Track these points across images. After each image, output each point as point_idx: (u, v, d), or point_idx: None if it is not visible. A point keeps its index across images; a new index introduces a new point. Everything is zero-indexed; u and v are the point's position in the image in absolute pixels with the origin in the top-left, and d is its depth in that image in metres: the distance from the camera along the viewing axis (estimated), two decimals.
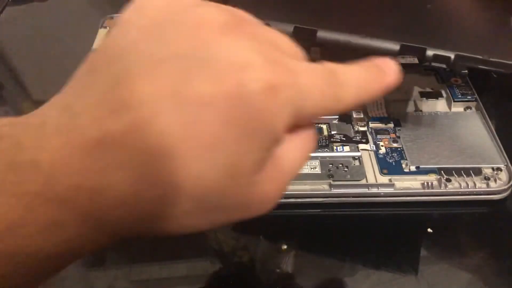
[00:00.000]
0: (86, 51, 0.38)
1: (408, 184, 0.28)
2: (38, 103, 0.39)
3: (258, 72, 0.15)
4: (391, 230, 0.28)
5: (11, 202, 0.14)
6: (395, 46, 0.24)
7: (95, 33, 0.40)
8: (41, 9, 0.46)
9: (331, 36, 0.22)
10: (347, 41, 0.24)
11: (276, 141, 0.17)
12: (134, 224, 0.16)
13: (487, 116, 0.32)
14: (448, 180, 0.28)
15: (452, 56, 0.25)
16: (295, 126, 0.17)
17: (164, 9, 0.17)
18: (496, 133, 0.30)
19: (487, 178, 0.28)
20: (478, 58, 0.24)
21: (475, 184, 0.28)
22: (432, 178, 0.28)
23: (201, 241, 0.27)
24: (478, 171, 0.28)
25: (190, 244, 0.27)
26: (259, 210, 0.17)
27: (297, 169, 0.18)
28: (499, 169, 0.29)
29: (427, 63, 0.25)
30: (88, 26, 0.42)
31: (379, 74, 0.20)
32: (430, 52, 0.25)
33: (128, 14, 0.17)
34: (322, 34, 0.24)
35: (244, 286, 0.26)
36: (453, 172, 0.28)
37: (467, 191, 0.28)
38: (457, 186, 0.28)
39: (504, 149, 0.29)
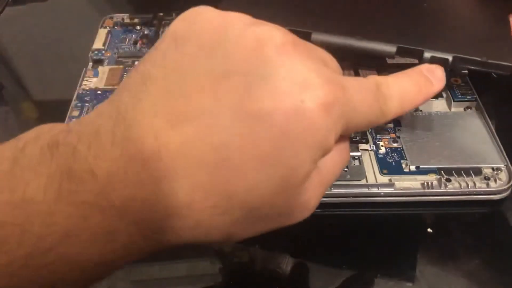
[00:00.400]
0: (86, 51, 0.38)
1: (408, 184, 0.28)
2: (38, 103, 0.39)
3: (317, 90, 0.16)
4: (391, 230, 0.28)
5: (68, 211, 0.14)
6: (392, 48, 0.24)
7: (95, 33, 0.40)
8: (41, 9, 0.46)
9: (326, 38, 0.22)
10: (342, 44, 0.23)
11: (326, 154, 0.17)
12: (183, 233, 0.16)
13: (487, 116, 0.32)
14: (448, 180, 0.28)
15: (450, 58, 0.24)
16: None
17: (221, 25, 0.17)
18: (496, 133, 0.30)
19: (487, 178, 0.28)
20: (476, 60, 0.24)
21: (475, 184, 0.28)
22: (432, 178, 0.28)
23: None
24: (478, 171, 0.28)
25: (190, 244, 0.27)
26: (299, 218, 0.18)
27: (335, 178, 0.19)
28: (499, 169, 0.29)
29: None
30: (88, 26, 0.42)
31: (424, 84, 0.21)
32: (427, 54, 0.24)
33: (181, 28, 0.18)
34: (316, 36, 0.23)
35: (244, 286, 0.25)
36: (453, 172, 0.28)
37: (467, 191, 0.28)
38: (457, 186, 0.28)
39: (504, 149, 0.29)
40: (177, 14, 0.43)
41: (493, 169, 0.29)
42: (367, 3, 0.26)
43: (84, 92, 0.35)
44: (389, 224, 0.28)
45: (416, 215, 0.28)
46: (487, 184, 0.28)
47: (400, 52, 0.24)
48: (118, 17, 0.41)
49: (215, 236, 0.16)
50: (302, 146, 0.16)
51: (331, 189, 0.28)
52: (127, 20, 0.41)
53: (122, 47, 0.39)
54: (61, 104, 0.35)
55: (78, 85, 0.35)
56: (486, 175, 0.28)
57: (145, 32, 0.40)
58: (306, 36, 0.24)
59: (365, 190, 0.28)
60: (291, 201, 0.17)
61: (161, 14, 0.41)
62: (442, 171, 0.28)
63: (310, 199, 0.18)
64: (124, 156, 0.15)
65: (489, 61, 0.24)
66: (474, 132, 0.31)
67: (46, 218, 0.14)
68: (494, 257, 0.26)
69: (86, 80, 0.36)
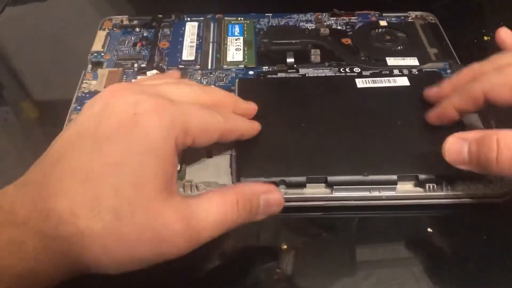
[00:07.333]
0: (86, 52, 0.38)
1: (409, 187, 0.28)
2: (38, 103, 0.39)
3: (145, 103, 0.22)
4: (392, 232, 0.28)
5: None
6: (393, 177, 0.28)
7: (95, 34, 0.40)
8: (41, 9, 0.46)
9: (340, 179, 0.28)
10: (352, 180, 0.28)
11: (171, 164, 0.23)
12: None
13: (487, 116, 0.31)
14: (450, 183, 0.28)
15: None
16: None
17: None
18: None
19: (489, 181, 0.28)
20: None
21: (477, 187, 0.27)
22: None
23: None
24: (481, 174, 0.28)
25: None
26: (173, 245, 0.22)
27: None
28: None
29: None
30: (88, 26, 0.42)
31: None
32: (422, 177, 0.28)
33: None
34: (332, 179, 0.28)
35: (244, 286, 0.25)
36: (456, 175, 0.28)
37: (469, 194, 0.27)
38: (459, 189, 0.27)
39: None
40: (176, 16, 0.43)
41: None
42: (371, 147, 0.29)
43: (83, 95, 0.34)
44: (391, 227, 0.28)
45: (418, 218, 0.28)
46: (490, 187, 0.27)
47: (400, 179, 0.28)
48: (117, 19, 0.41)
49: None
50: (144, 150, 0.20)
51: (332, 192, 0.28)
52: (126, 22, 0.41)
53: (122, 49, 0.38)
54: (61, 104, 0.35)
55: (78, 88, 0.35)
56: (488, 178, 0.28)
57: (144, 34, 0.40)
58: None
59: (366, 194, 0.28)
60: (151, 215, 0.20)
61: (160, 16, 0.41)
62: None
63: (173, 221, 0.20)
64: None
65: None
66: None
67: None
68: (494, 259, 0.26)
69: (85, 82, 0.35)
